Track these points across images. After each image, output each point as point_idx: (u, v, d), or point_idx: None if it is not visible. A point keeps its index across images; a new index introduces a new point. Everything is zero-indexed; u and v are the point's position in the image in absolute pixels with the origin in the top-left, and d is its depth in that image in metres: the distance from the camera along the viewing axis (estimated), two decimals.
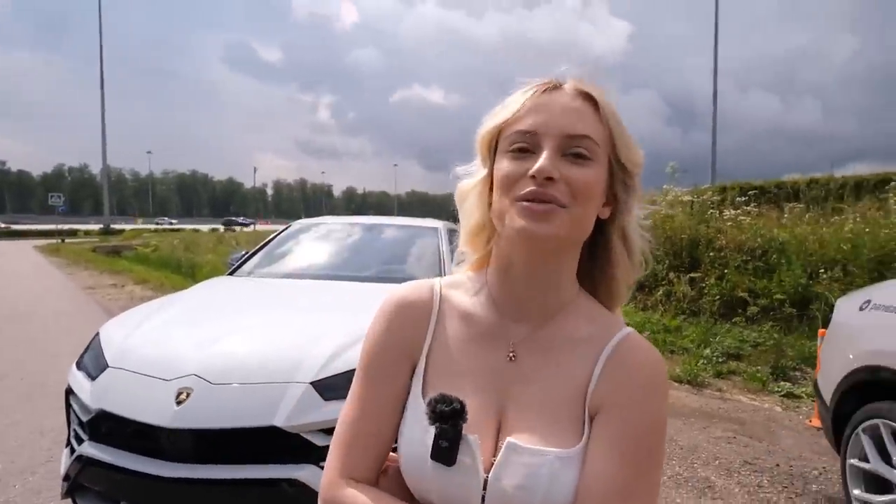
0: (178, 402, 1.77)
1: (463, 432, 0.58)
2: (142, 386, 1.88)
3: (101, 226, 45.45)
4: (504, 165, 0.60)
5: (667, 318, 6.32)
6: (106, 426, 1.88)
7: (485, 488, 0.57)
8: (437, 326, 0.66)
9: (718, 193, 8.74)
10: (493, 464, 0.58)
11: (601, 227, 0.64)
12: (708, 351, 5.13)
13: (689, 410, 3.90)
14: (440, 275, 3.18)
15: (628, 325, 0.66)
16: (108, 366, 2.04)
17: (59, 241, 31.84)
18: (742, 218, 7.08)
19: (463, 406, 0.58)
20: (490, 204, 0.64)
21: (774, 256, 6.22)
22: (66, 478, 1.97)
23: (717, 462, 3.04)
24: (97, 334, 2.34)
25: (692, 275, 6.65)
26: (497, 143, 0.63)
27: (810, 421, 3.69)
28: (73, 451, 2.00)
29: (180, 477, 1.73)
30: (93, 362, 2.14)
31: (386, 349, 0.66)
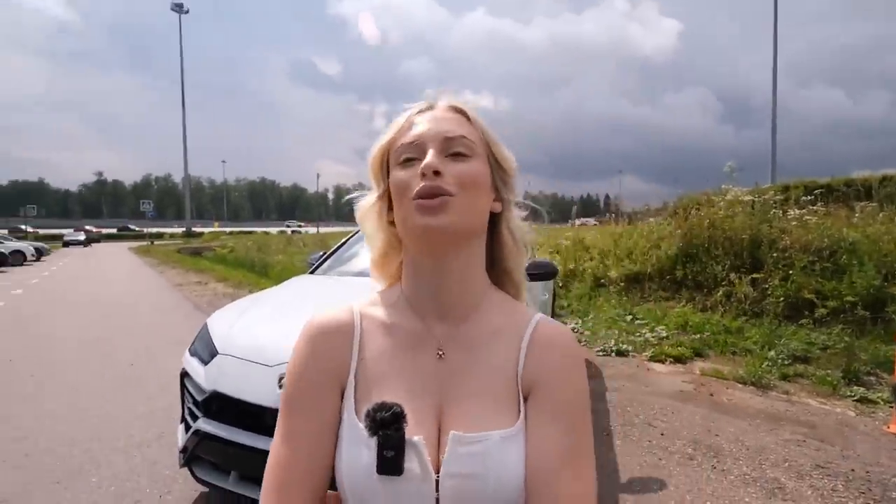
0: (280, 385, 2.06)
1: (406, 436, 0.57)
2: (248, 371, 2.18)
3: (184, 229, 49.07)
4: (397, 175, 0.64)
5: (727, 320, 6.13)
6: (217, 405, 2.18)
7: (437, 489, 0.58)
8: (361, 345, 0.67)
9: (781, 192, 8.31)
10: (440, 463, 0.58)
11: (493, 222, 0.69)
12: (772, 353, 4.97)
13: (753, 412, 3.84)
14: None
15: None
16: (217, 352, 2.37)
17: (149, 243, 34.82)
18: (808, 217, 6.75)
19: (402, 409, 0.57)
20: (390, 221, 0.69)
21: (844, 257, 5.90)
22: (184, 450, 2.29)
23: (786, 464, 3.01)
24: (205, 325, 2.70)
25: (754, 276, 6.43)
26: (388, 162, 0.68)
27: (889, 427, 3.53)
28: (187, 426, 2.34)
29: None
30: (204, 349, 2.48)
31: (311, 378, 0.65)
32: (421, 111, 0.69)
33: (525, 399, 0.63)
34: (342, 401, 0.64)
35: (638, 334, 6.05)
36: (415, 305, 0.68)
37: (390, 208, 0.68)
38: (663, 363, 5.16)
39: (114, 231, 58.29)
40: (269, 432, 2.05)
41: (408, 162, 0.64)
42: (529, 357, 0.64)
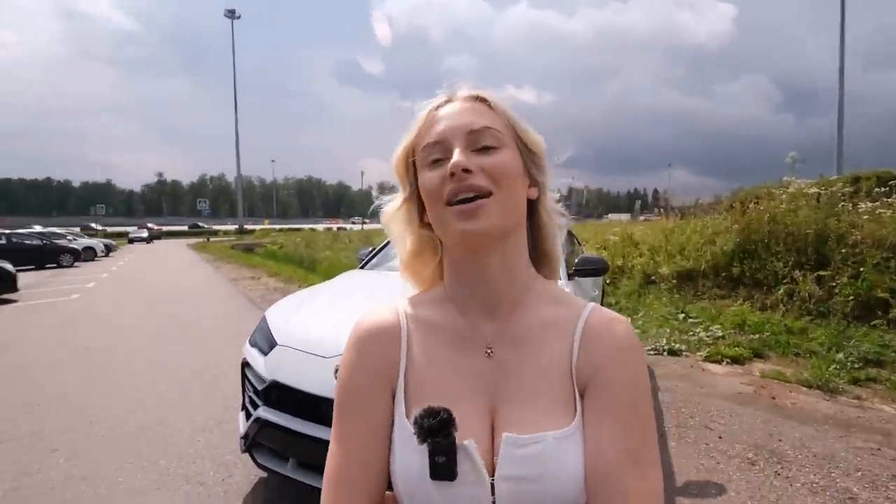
0: (336, 376, 2.12)
1: (457, 441, 0.55)
2: (305, 361, 2.26)
3: (236, 226, 51.16)
4: (426, 178, 0.61)
5: (789, 319, 5.80)
6: (276, 394, 2.27)
7: (493, 492, 0.56)
8: (409, 346, 0.65)
9: (850, 184, 7.75)
10: (495, 465, 0.56)
11: (531, 208, 0.67)
12: (841, 355, 4.66)
13: (821, 417, 3.62)
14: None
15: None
16: (276, 344, 2.47)
17: (206, 239, 36.54)
18: (882, 211, 6.28)
19: (450, 415, 0.55)
20: (422, 222, 0.66)
21: None
22: (245, 436, 2.40)
23: (859, 473, 2.83)
24: (264, 317, 2.82)
25: (820, 273, 6.05)
26: (414, 164, 0.65)
27: None
28: (248, 414, 2.45)
29: None
30: (263, 341, 2.59)
31: (359, 381, 0.64)
32: (440, 105, 0.65)
33: (581, 394, 0.60)
34: (393, 402, 0.63)
35: (691, 333, 5.83)
36: (460, 304, 0.65)
37: (422, 209, 0.65)
38: (719, 364, 4.95)
39: (183, 228, 61.71)
40: (325, 421, 2.12)
41: (435, 163, 0.61)
42: (583, 349, 0.61)
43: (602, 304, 5.78)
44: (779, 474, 2.83)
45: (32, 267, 16.66)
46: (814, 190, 7.14)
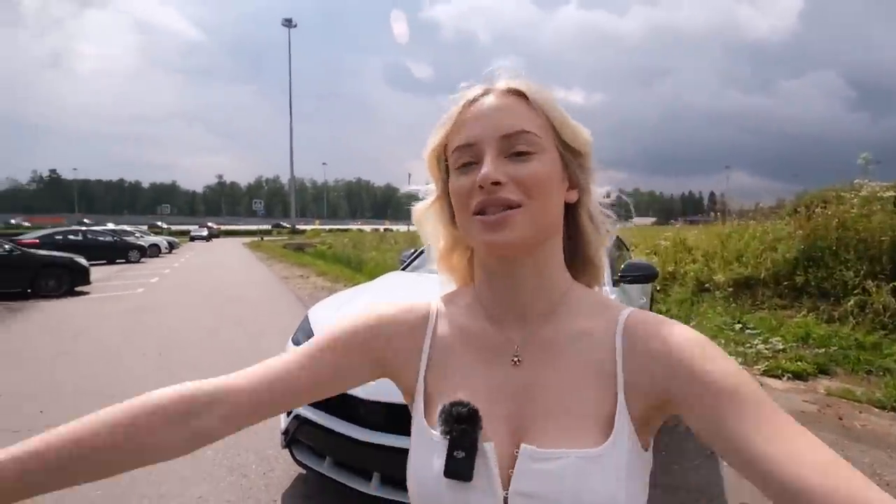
0: None
1: (479, 440, 0.54)
2: None
3: (289, 226, 53.01)
4: (455, 183, 0.59)
5: (860, 333, 5.37)
6: None
7: None
8: (433, 345, 0.63)
9: None
10: (510, 477, 0.53)
11: (571, 211, 0.63)
12: None
13: (894, 441, 3.32)
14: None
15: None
16: None
17: (260, 238, 38.07)
18: None
19: (478, 411, 0.54)
20: (452, 221, 0.64)
21: None
22: (286, 433, 2.46)
23: None
24: (306, 316, 2.89)
25: None
26: (446, 159, 0.62)
27: None
28: (289, 412, 2.51)
29: (372, 442, 2.09)
30: (304, 339, 2.65)
31: (352, 347, 0.62)
32: (475, 99, 0.60)
33: (650, 411, 0.53)
34: (411, 401, 0.62)
35: (748, 345, 5.50)
36: (489, 308, 0.62)
37: (452, 206, 0.63)
38: (779, 379, 4.64)
39: (240, 227, 64.94)
40: (362, 422, 2.14)
41: (466, 167, 0.58)
42: (631, 361, 0.54)
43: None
44: None
45: (104, 262, 17.88)
46: (890, 193, 6.59)
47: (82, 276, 10.56)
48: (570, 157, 0.60)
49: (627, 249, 5.24)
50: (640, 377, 0.54)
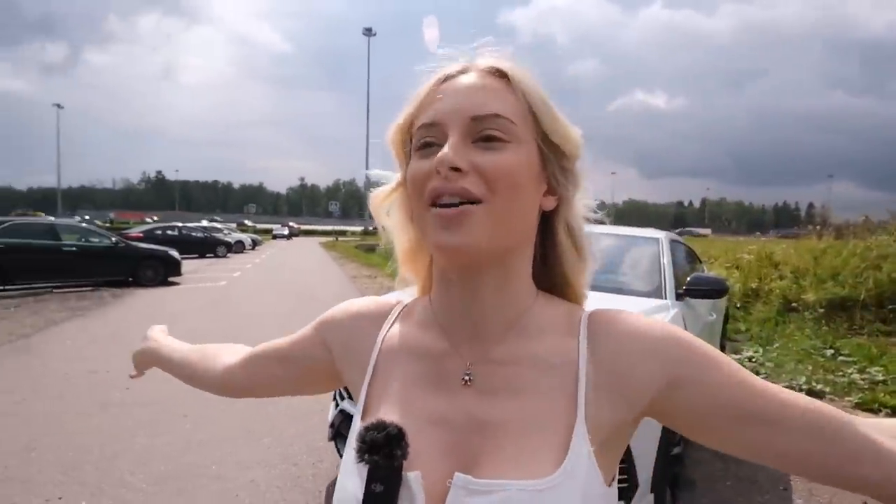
0: None
1: (403, 470, 0.46)
2: None
3: (362, 228, 55.05)
4: (413, 166, 0.51)
5: None
6: None
7: None
8: (380, 354, 0.57)
9: None
10: None
11: (547, 221, 0.55)
12: None
13: None
14: (662, 286, 3.03)
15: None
16: None
17: (335, 239, 39.82)
18: None
19: (400, 432, 0.47)
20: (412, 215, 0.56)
21: None
22: (332, 425, 2.55)
23: None
24: None
25: None
26: (411, 140, 0.54)
27: None
28: (336, 405, 2.59)
29: None
30: None
31: (317, 335, 0.65)
32: (451, 76, 0.52)
33: (610, 438, 0.49)
34: (356, 400, 0.57)
35: (840, 373, 4.94)
36: (442, 321, 0.55)
37: None
38: (875, 414, 4.12)
39: (318, 227, 68.65)
40: None
41: (426, 149, 0.50)
42: (598, 367, 0.49)
43: (725, 331, 5.12)
44: None
45: (195, 255, 19.49)
46: None
47: (175, 268, 11.58)
48: (551, 155, 0.52)
49: (700, 262, 4.89)
50: (610, 389, 0.49)
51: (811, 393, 4.56)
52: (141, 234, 17.70)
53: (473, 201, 0.47)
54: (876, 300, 6.24)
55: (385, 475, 0.46)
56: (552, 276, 0.57)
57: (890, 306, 6.07)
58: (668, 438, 2.16)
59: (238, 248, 24.13)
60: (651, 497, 2.08)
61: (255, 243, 28.85)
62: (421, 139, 0.51)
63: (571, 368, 0.50)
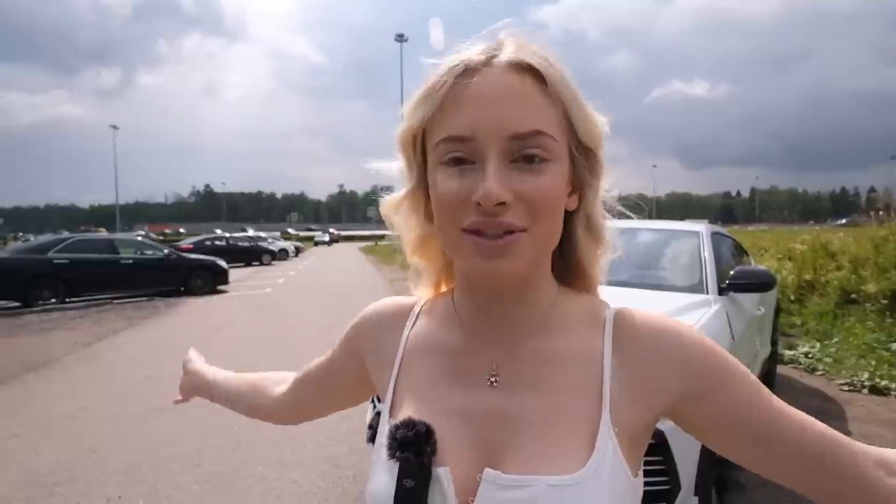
0: None
1: (432, 466, 0.47)
2: None
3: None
4: (441, 184, 0.47)
5: None
6: None
7: None
8: (408, 347, 0.58)
9: None
10: None
11: (568, 214, 0.53)
12: None
13: None
14: (703, 281, 2.93)
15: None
16: None
17: (374, 243, 40.46)
18: None
19: (429, 430, 0.48)
20: (428, 216, 0.54)
21: None
22: (371, 427, 2.60)
23: None
24: None
25: None
26: (423, 144, 0.51)
27: None
28: (374, 406, 2.63)
29: None
30: None
31: (346, 346, 0.67)
32: (472, 71, 0.47)
33: (649, 417, 0.50)
34: (383, 400, 0.58)
35: None
36: (466, 321, 0.55)
37: (428, 198, 0.52)
38: None
39: (358, 233, 70.16)
40: None
41: (455, 164, 0.46)
42: (623, 367, 0.50)
43: (776, 325, 4.88)
44: None
45: (241, 264, 20.26)
46: None
47: (223, 277, 12.08)
48: (582, 157, 0.50)
49: (746, 254, 4.67)
50: (634, 387, 0.49)
51: (874, 389, 4.28)
52: (191, 246, 18.55)
53: (516, 230, 0.45)
54: None
55: (415, 471, 0.47)
56: (568, 266, 0.57)
57: None
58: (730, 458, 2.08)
59: (282, 255, 24.88)
60: (695, 500, 2.00)
61: (297, 250, 29.69)
62: (448, 153, 0.47)
63: (596, 365, 0.50)
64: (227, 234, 24.64)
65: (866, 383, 4.37)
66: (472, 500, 0.46)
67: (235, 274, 14.81)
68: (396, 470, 0.48)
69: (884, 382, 4.35)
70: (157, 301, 10.33)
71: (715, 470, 2.22)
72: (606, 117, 0.52)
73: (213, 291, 11.64)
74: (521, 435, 0.48)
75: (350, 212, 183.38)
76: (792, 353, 5.37)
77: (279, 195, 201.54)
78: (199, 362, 0.92)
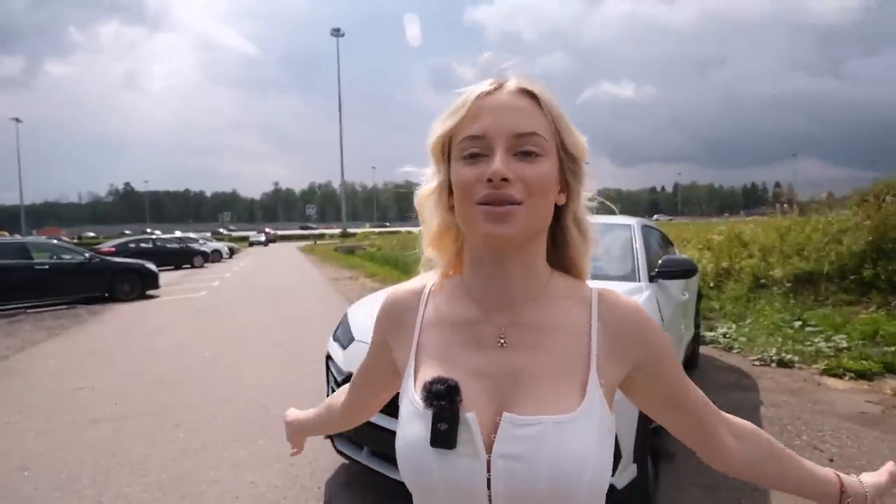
0: None
1: (460, 412, 0.59)
2: None
3: (340, 230, 54.55)
4: (461, 172, 0.62)
5: None
6: None
7: (489, 469, 0.58)
8: (424, 323, 0.69)
9: None
10: (493, 442, 0.59)
11: (557, 213, 0.67)
12: None
13: None
14: (635, 269, 3.18)
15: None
16: (354, 339, 2.66)
17: (313, 242, 39.45)
18: None
19: (457, 384, 0.60)
20: (449, 207, 0.67)
21: None
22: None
23: None
24: (346, 314, 3.03)
25: None
26: (449, 149, 0.65)
27: None
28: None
29: None
30: (344, 336, 2.80)
31: (375, 342, 0.77)
32: (487, 93, 0.63)
33: (618, 374, 0.65)
34: (403, 370, 0.69)
35: (808, 343, 5.21)
36: (475, 295, 0.67)
37: (450, 193, 0.66)
38: (840, 378, 4.37)
39: (296, 232, 67.80)
40: (396, 413, 2.24)
41: (472, 158, 0.61)
42: (606, 337, 0.64)
43: (698, 309, 5.30)
44: None
45: (172, 267, 19.15)
46: None
47: (152, 281, 11.40)
48: (568, 161, 0.65)
49: (671, 245, 5.08)
50: (613, 350, 0.64)
51: (781, 363, 4.81)
52: (113, 249, 17.31)
53: (515, 202, 0.59)
54: (838, 272, 6.56)
55: (448, 416, 0.59)
56: (561, 258, 0.70)
57: (851, 277, 6.39)
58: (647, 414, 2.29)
59: (215, 257, 23.76)
60: (634, 467, 2.21)
61: (232, 252, 28.43)
62: (467, 149, 0.62)
63: (584, 331, 0.65)
64: (154, 235, 23.18)
65: (774, 358, 4.90)
66: (494, 437, 0.59)
67: (165, 278, 13.99)
68: (430, 417, 0.59)
69: (788, 356, 4.89)
70: (78, 309, 9.60)
71: (650, 440, 2.45)
72: (585, 136, 0.67)
73: (142, 297, 10.97)
74: (528, 386, 0.61)
75: (287, 210, 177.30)
76: (712, 334, 5.89)
77: (209, 193, 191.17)
78: (294, 412, 1.03)
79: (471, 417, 0.59)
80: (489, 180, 0.58)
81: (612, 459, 0.62)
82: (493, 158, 0.59)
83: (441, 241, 0.71)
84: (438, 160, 0.67)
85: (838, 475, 0.73)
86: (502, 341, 0.64)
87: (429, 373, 0.64)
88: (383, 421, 2.26)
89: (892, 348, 4.78)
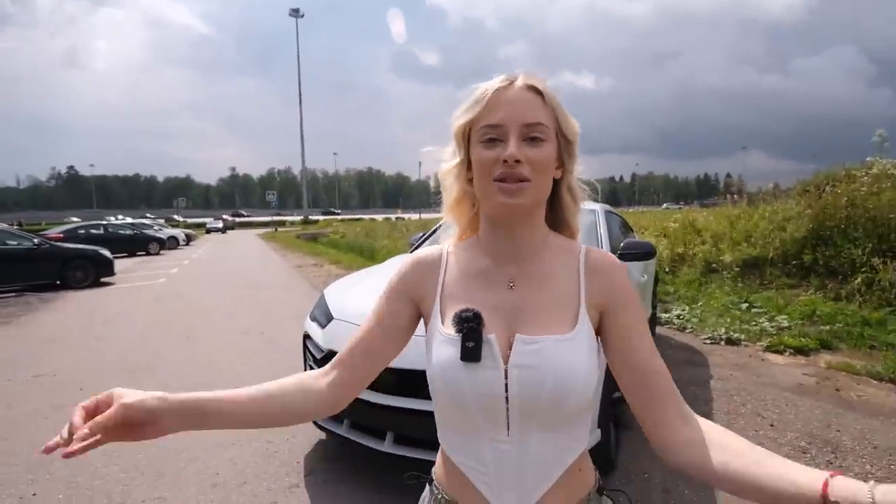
0: None
1: (483, 334, 0.75)
2: None
3: (302, 217, 53.43)
4: (482, 154, 0.76)
5: (867, 310, 5.44)
6: None
7: (506, 377, 0.73)
8: (447, 276, 0.84)
9: None
10: (509, 357, 0.74)
11: (555, 184, 0.82)
12: None
13: (889, 411, 3.44)
14: None
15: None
16: (333, 318, 2.73)
17: (274, 229, 38.58)
18: None
19: (480, 314, 0.76)
20: (468, 180, 0.82)
21: None
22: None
23: None
24: (322, 295, 3.09)
25: None
26: (469, 133, 0.79)
27: None
28: None
29: (386, 404, 2.30)
30: (322, 315, 2.86)
31: (392, 298, 0.85)
32: (502, 87, 0.76)
33: (591, 314, 0.77)
34: (430, 317, 0.82)
35: (754, 323, 5.61)
36: (490, 251, 0.83)
37: (468, 168, 0.81)
38: (781, 354, 4.76)
39: (255, 219, 65.93)
40: (376, 386, 2.33)
41: (491, 142, 0.75)
42: (589, 281, 0.79)
43: (655, 292, 5.61)
44: (831, 463, 2.76)
45: (125, 254, 18.38)
46: None
47: (107, 268, 10.97)
48: (564, 143, 0.80)
49: (631, 230, 5.35)
50: (593, 293, 0.79)
51: (729, 341, 5.17)
52: (61, 235, 16.46)
53: (525, 180, 0.74)
54: (782, 257, 7.04)
55: (475, 336, 0.74)
56: (557, 219, 0.87)
57: (793, 262, 6.87)
58: (610, 383, 2.48)
59: (172, 243, 22.91)
60: (598, 431, 2.40)
61: (189, 238, 27.47)
62: (486, 135, 0.76)
63: (575, 277, 0.81)
64: (105, 221, 22.12)
65: (723, 337, 5.26)
66: (510, 353, 0.75)
67: (120, 265, 13.47)
68: (460, 341, 0.75)
69: (736, 335, 5.26)
70: (28, 296, 9.16)
71: (612, 408, 2.65)
72: (577, 121, 0.82)
73: (97, 284, 10.56)
74: (533, 316, 0.78)
75: (244, 196, 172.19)
76: (667, 315, 6.25)
77: (161, 178, 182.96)
78: (137, 394, 0.70)
79: (492, 338, 0.75)
80: (505, 161, 0.73)
81: (597, 372, 0.77)
82: (507, 143, 0.74)
83: (459, 208, 0.86)
84: (460, 142, 0.81)
85: (828, 480, 0.55)
86: (512, 285, 0.80)
87: (455, 308, 0.78)
88: (362, 393, 2.36)
89: (828, 327, 5.22)
